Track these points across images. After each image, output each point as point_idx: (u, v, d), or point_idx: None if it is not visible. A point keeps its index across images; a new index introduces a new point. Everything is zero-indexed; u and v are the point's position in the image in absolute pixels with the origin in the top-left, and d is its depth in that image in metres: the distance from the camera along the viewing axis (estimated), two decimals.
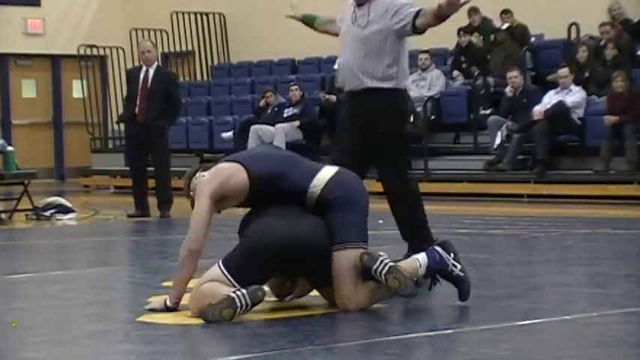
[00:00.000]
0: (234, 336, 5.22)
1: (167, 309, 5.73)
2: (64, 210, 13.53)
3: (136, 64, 19.88)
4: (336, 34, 7.53)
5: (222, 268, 5.59)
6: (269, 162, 5.85)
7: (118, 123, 20.20)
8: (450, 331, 5.29)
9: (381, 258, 5.52)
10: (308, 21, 7.89)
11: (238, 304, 5.40)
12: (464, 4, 6.78)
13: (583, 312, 5.79)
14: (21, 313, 6.29)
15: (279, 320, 5.57)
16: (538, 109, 14.97)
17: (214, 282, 5.56)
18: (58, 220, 13.19)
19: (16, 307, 6.52)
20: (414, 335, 5.13)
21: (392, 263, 5.54)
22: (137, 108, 12.80)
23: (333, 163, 6.40)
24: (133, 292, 7.10)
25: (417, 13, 6.98)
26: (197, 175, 5.99)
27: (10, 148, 15.15)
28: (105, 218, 13.52)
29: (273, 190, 5.74)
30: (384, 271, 5.50)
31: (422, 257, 5.68)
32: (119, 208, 14.17)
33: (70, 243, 11.10)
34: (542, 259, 8.11)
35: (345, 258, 5.61)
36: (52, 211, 13.43)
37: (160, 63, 21.82)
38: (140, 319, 5.69)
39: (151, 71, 12.94)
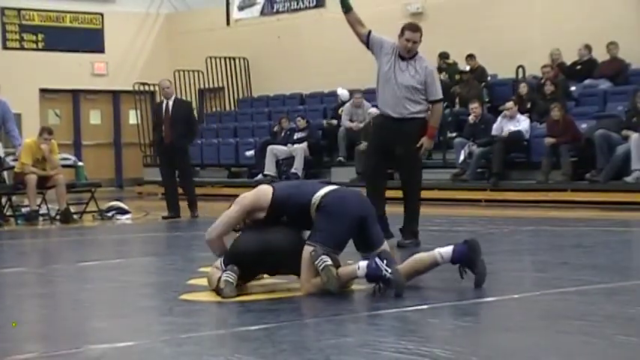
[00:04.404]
0: (255, 310, 5.21)
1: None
2: (123, 212, 13.54)
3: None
4: (358, 35, 7.99)
5: (221, 260, 5.79)
6: (290, 188, 5.91)
7: (150, 146, 20.17)
8: (424, 306, 5.26)
9: (322, 257, 5.49)
10: (346, 3, 8.07)
11: (227, 279, 5.57)
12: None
13: (529, 291, 5.77)
14: (88, 292, 6.29)
15: (289, 298, 5.56)
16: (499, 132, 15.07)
17: (214, 268, 5.79)
18: (117, 219, 13.19)
19: (85, 287, 6.51)
20: (394, 310, 5.10)
21: (328, 263, 5.46)
22: (163, 132, 12.79)
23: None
24: (176, 276, 7.07)
25: (434, 101, 8.24)
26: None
27: (80, 164, 15.16)
28: (154, 218, 13.50)
29: (286, 207, 5.74)
30: (320, 267, 5.48)
31: (363, 264, 5.58)
32: (166, 210, 14.13)
33: (126, 237, 11.10)
34: (496, 250, 8.08)
35: (306, 252, 5.60)
36: (113, 212, 13.43)
37: (197, 97, 21.92)
38: (181, 297, 5.68)
39: (170, 102, 12.93)
